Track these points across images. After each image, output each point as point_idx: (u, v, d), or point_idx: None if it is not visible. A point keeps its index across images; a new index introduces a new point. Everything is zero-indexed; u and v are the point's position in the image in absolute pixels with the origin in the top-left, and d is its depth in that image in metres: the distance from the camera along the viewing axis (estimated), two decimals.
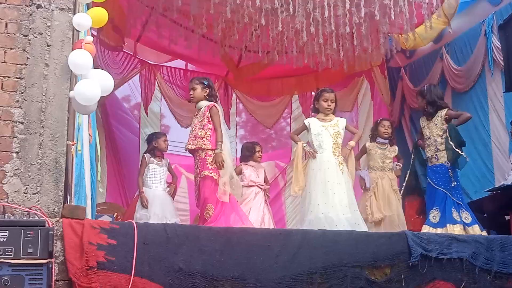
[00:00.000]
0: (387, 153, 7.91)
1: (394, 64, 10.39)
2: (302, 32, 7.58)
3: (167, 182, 7.96)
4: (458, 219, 6.99)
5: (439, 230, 6.89)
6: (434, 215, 7.10)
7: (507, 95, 7.84)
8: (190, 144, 6.69)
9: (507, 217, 7.42)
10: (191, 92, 6.86)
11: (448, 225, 6.96)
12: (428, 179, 7.36)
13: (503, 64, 7.43)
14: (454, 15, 8.43)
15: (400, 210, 7.74)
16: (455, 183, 7.18)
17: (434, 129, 7.32)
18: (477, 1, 8.64)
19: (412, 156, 7.88)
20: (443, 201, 7.15)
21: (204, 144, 6.58)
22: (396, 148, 8.10)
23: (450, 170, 7.18)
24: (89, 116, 5.60)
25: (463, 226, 6.96)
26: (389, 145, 7.96)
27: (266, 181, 8.21)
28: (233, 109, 11.00)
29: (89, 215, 5.21)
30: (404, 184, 8.63)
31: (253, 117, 11.06)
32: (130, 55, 9.89)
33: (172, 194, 7.94)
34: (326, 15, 7.27)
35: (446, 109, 7.38)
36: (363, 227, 6.63)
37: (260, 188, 7.91)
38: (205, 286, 4.65)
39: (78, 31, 5.04)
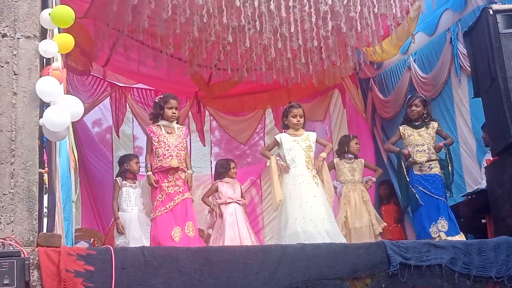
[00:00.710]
0: (355, 166, 8.06)
1: (363, 75, 10.50)
2: (270, 48, 7.66)
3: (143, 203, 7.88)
4: None
5: (457, 237, 6.96)
6: (442, 224, 7.09)
7: (472, 101, 7.97)
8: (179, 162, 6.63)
9: (483, 221, 7.50)
10: (174, 111, 6.68)
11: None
12: (421, 188, 7.25)
13: (470, 70, 7.55)
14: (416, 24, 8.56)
15: (374, 221, 7.81)
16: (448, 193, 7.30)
17: (427, 138, 7.36)
18: (442, 11, 8.77)
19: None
20: (445, 210, 7.19)
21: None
22: (362, 160, 8.22)
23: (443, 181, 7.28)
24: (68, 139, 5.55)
25: None
26: (354, 159, 8.11)
27: (242, 196, 8.20)
28: (207, 126, 11.00)
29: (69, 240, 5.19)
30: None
31: (227, 133, 11.07)
32: (99, 78, 9.88)
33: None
34: (293, 30, 7.34)
35: (437, 123, 7.52)
36: (342, 239, 6.68)
37: (238, 203, 7.89)
38: None
39: (46, 58, 5.02)
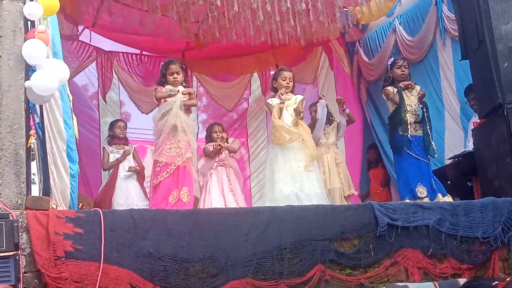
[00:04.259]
0: (329, 130, 8.18)
1: (349, 39, 10.47)
2: (259, 11, 7.57)
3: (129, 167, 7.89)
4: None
5: (445, 199, 6.96)
6: (421, 190, 7.11)
7: (457, 63, 8.02)
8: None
9: (469, 183, 7.56)
10: (176, 76, 6.87)
11: (439, 194, 7.06)
12: (406, 149, 7.17)
13: (456, 33, 7.53)
14: None
15: (344, 183, 8.00)
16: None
17: (414, 100, 7.33)
18: None
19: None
20: (428, 174, 7.21)
21: None
22: (335, 123, 8.32)
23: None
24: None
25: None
26: (328, 124, 8.21)
27: (232, 148, 8.18)
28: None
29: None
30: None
31: (214, 100, 11.02)
32: (84, 43, 9.74)
33: (139, 178, 7.88)
34: None
35: (419, 87, 7.48)
36: (329, 202, 6.74)
37: (223, 166, 7.82)
38: (175, 268, 4.65)
39: (30, 20, 4.95)
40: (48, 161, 4.96)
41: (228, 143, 8.25)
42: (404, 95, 7.28)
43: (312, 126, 7.80)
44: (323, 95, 8.38)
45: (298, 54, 10.60)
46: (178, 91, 6.79)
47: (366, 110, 10.18)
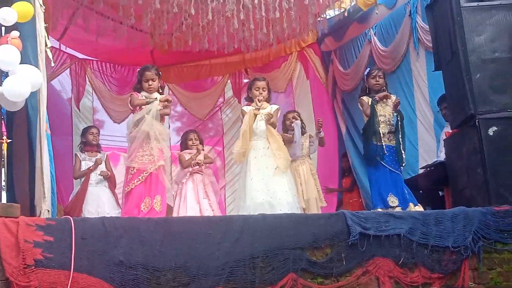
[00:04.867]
0: (302, 141, 8.11)
1: (325, 48, 10.53)
2: (233, 19, 7.59)
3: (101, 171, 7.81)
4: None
5: (416, 208, 7.06)
6: (393, 200, 7.17)
7: (430, 74, 8.10)
8: None
9: (441, 193, 7.63)
10: (151, 83, 6.82)
11: (411, 204, 7.11)
12: (379, 159, 7.28)
13: (430, 44, 7.60)
14: None
15: (319, 194, 8.01)
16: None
17: (389, 110, 7.43)
18: None
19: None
20: (400, 183, 7.28)
21: None
22: (308, 134, 8.34)
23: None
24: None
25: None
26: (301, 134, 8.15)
27: (208, 160, 8.09)
28: None
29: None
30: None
31: (186, 110, 11.00)
32: (58, 49, 9.67)
33: (110, 185, 7.80)
34: (256, 1, 7.32)
35: (395, 96, 7.57)
36: (301, 211, 6.80)
37: (199, 173, 7.78)
38: (147, 277, 4.61)
39: (4, 26, 4.91)
40: (43, 166, 4.92)
41: (203, 150, 8.18)
42: (379, 105, 7.36)
43: (284, 135, 7.80)
44: (297, 114, 8.36)
45: (268, 60, 10.69)
46: (156, 98, 6.75)
47: (342, 120, 10.21)
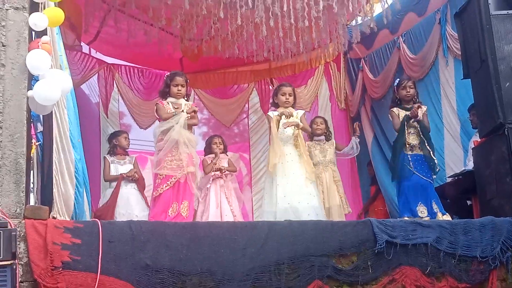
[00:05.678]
0: (326, 147, 8.14)
1: (354, 56, 10.51)
2: (262, 26, 7.61)
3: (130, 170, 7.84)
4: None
5: (444, 217, 6.93)
6: (422, 210, 7.11)
7: (458, 83, 8.04)
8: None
9: (469, 202, 7.55)
10: (180, 89, 6.89)
11: (439, 213, 7.04)
12: (412, 169, 7.16)
13: (459, 52, 7.54)
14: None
15: (343, 201, 7.98)
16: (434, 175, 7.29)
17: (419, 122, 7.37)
18: None
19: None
20: (430, 193, 7.18)
21: None
22: (334, 141, 8.38)
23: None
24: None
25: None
26: (325, 140, 8.22)
27: (231, 168, 8.10)
28: None
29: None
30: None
31: (213, 116, 11.05)
32: (87, 55, 9.78)
33: (139, 187, 7.83)
34: (285, 8, 7.34)
35: (426, 108, 7.49)
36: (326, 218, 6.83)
37: (223, 178, 7.80)
38: (173, 281, 4.63)
39: (35, 31, 4.98)
40: (54, 171, 4.98)
41: (227, 155, 8.20)
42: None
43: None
44: (324, 120, 8.45)
45: (293, 71, 10.73)
46: (183, 110, 6.79)
47: (370, 127, 10.17)
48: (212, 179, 7.71)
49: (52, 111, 5.04)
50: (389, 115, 7.56)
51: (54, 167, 5.01)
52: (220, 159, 7.93)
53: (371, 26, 8.39)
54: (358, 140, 8.50)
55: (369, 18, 8.53)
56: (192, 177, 6.71)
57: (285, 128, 6.95)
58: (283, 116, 6.97)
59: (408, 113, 7.26)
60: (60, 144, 5.07)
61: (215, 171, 7.72)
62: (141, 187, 7.85)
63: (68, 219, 5.06)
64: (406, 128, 7.24)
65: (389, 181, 8.75)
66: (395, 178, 7.40)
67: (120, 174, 7.71)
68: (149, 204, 7.44)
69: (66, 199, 5.10)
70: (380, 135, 9.78)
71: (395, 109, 7.46)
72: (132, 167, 7.85)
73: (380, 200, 9.52)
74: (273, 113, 7.13)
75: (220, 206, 7.53)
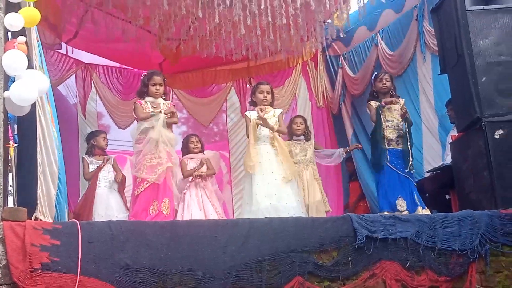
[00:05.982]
0: (306, 147, 8.19)
1: (333, 53, 10.51)
2: (240, 24, 7.61)
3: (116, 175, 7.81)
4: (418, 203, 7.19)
5: (423, 212, 7.04)
6: (401, 203, 7.16)
7: (436, 78, 8.10)
8: None
9: (447, 196, 7.61)
10: (158, 88, 6.89)
11: (419, 207, 7.10)
12: (388, 163, 7.32)
13: (436, 48, 7.60)
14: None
15: (324, 197, 8.05)
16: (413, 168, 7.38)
17: (397, 115, 7.47)
18: None
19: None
20: (408, 187, 7.28)
21: None
22: (313, 141, 8.46)
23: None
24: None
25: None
26: (305, 140, 8.26)
27: (211, 171, 8.04)
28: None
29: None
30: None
31: (191, 115, 11.02)
32: (64, 55, 9.71)
33: (120, 188, 7.79)
34: (263, 6, 7.35)
35: (403, 100, 7.63)
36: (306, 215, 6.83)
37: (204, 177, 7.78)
38: (153, 281, 4.62)
39: (10, 31, 4.94)
40: (38, 172, 4.94)
41: (204, 154, 8.17)
42: (386, 110, 7.38)
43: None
44: (304, 119, 8.50)
45: (272, 70, 10.73)
46: (161, 111, 6.78)
47: (350, 124, 10.20)
48: (191, 182, 7.67)
49: (29, 112, 4.99)
50: (367, 108, 7.68)
51: (38, 168, 4.96)
52: (197, 159, 7.90)
53: (345, 22, 8.47)
54: (344, 155, 8.73)
55: (345, 14, 8.58)
56: (172, 174, 6.71)
57: (256, 121, 6.92)
58: (259, 110, 6.94)
59: (382, 101, 7.36)
60: (43, 145, 5.02)
61: (196, 177, 7.68)
62: (122, 188, 7.83)
63: (51, 220, 5.02)
64: (382, 119, 7.32)
65: (370, 176, 8.83)
66: (379, 169, 7.45)
67: (98, 166, 7.69)
68: (128, 205, 7.43)
69: (49, 201, 5.07)
70: (361, 131, 9.80)
71: (372, 102, 7.65)
72: (111, 168, 7.82)
73: (358, 194, 9.58)
74: (250, 113, 7.11)
75: (203, 207, 7.50)
